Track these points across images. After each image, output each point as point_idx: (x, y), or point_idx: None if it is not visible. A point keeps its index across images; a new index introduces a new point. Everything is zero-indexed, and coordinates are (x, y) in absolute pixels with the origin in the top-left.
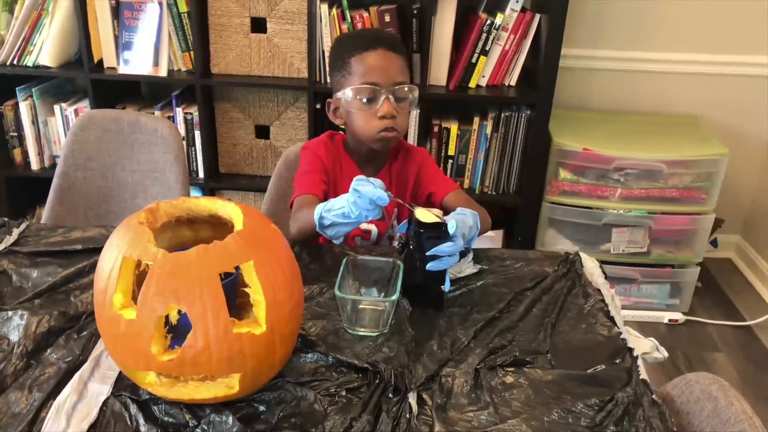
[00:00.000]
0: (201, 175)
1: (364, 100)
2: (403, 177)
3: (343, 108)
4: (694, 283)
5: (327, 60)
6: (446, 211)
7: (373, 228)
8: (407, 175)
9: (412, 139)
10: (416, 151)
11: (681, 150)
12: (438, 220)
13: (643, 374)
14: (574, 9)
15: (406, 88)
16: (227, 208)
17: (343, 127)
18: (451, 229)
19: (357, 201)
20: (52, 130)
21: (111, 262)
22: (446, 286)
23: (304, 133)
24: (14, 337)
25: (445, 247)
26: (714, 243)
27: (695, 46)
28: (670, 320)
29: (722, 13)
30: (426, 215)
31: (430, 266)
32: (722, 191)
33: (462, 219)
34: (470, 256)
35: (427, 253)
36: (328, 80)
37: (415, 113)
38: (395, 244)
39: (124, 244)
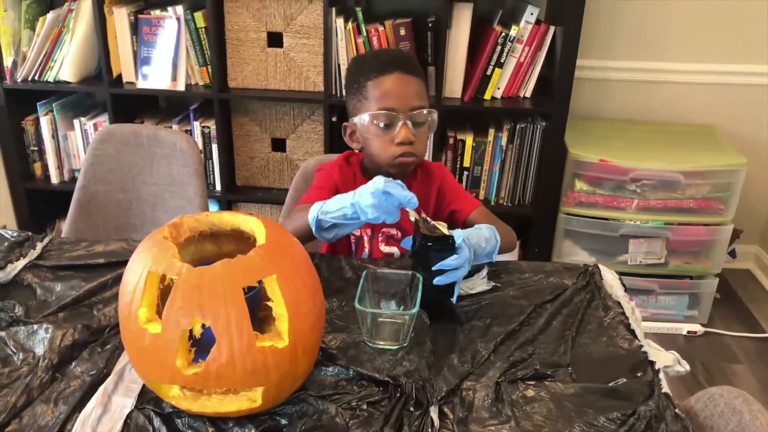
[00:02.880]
0: (218, 187)
1: (381, 125)
2: (424, 195)
3: (360, 133)
4: (713, 294)
5: (344, 82)
6: (470, 227)
7: (395, 250)
8: (428, 193)
9: (427, 151)
10: (435, 167)
11: (698, 160)
12: (445, 233)
13: (665, 388)
14: (588, 20)
15: (424, 112)
16: (249, 222)
17: (359, 150)
18: (457, 240)
19: (382, 203)
20: (72, 144)
21: (136, 276)
22: (454, 299)
23: (320, 146)
24: (39, 350)
25: (450, 261)
26: (732, 254)
27: (711, 56)
28: (688, 332)
29: (737, 23)
30: (432, 229)
31: (437, 281)
32: (740, 201)
33: (476, 233)
34: (484, 272)
35: (433, 268)
36: (344, 96)
37: None
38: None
39: (149, 259)
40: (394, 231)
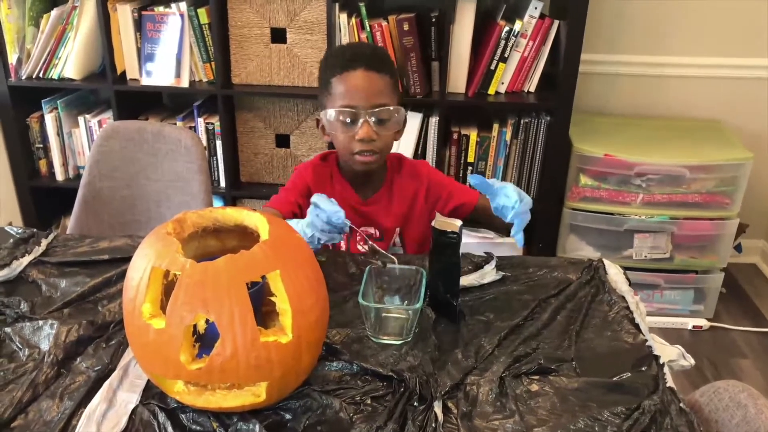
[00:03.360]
0: (222, 184)
1: (345, 121)
2: (406, 194)
3: (327, 128)
4: (719, 288)
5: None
6: (481, 213)
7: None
8: (411, 192)
9: (431, 146)
10: (420, 165)
11: (703, 155)
12: (454, 226)
13: (670, 382)
14: (592, 14)
15: (390, 109)
16: (253, 217)
17: (329, 143)
18: (512, 194)
19: (314, 220)
20: (77, 142)
21: (140, 272)
22: (519, 242)
23: (323, 142)
24: (45, 346)
25: (510, 202)
26: (738, 248)
27: (716, 50)
28: (694, 326)
29: (743, 16)
30: (444, 224)
31: (515, 236)
32: (746, 196)
33: (511, 187)
34: (493, 263)
35: (512, 224)
36: None
37: (434, 120)
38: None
39: (153, 255)
40: (372, 230)
